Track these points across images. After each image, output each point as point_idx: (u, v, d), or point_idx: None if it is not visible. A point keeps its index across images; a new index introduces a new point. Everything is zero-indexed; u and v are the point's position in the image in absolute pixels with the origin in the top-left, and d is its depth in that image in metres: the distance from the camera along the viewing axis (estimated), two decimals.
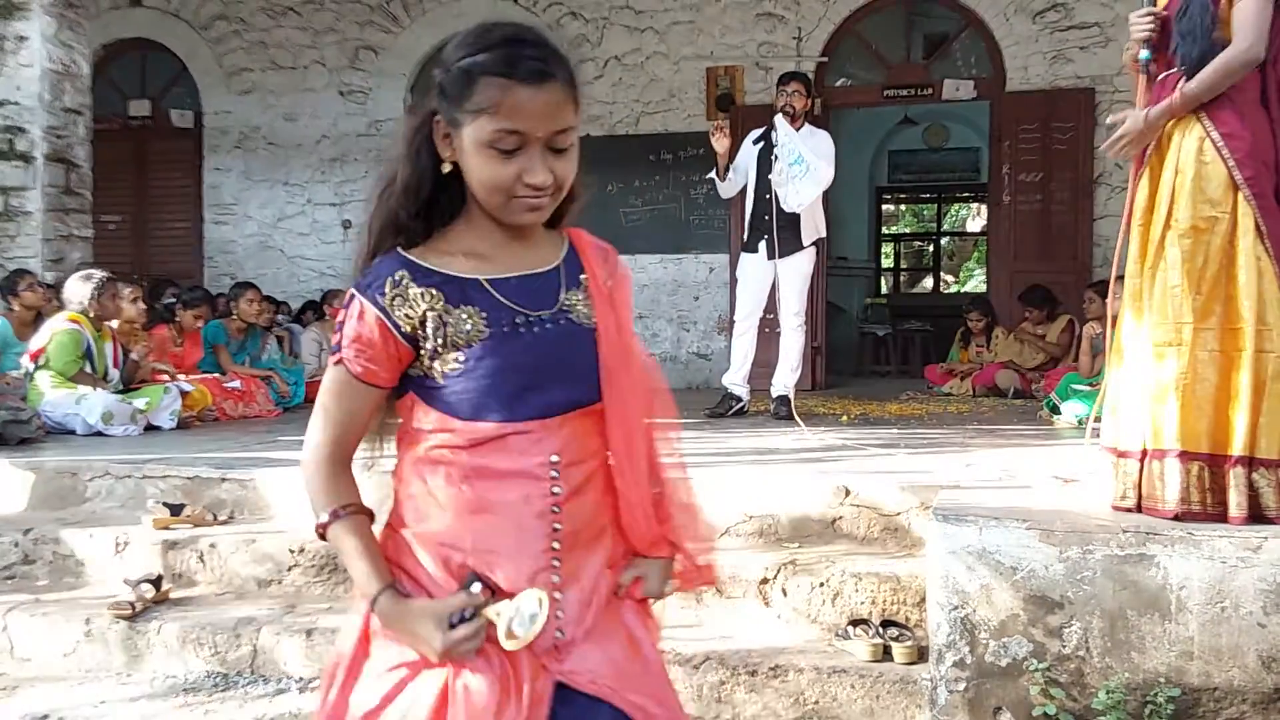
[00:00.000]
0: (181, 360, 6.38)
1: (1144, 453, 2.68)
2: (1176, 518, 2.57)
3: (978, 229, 16.66)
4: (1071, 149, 8.16)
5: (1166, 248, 2.65)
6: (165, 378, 5.84)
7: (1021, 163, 8.30)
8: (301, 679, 2.96)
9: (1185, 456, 2.59)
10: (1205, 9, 2.62)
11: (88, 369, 5.47)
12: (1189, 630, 2.44)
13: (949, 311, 10.90)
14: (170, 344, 6.48)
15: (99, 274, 5.63)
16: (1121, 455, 2.72)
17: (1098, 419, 2.80)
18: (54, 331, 5.39)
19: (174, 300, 6.62)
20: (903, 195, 15.50)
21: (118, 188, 9.38)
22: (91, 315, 5.51)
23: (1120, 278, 2.93)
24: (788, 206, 5.60)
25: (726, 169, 5.84)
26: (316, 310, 8.35)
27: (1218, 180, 2.60)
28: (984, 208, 12.91)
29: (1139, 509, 2.67)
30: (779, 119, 5.66)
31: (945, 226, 16.72)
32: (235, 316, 6.88)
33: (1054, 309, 7.62)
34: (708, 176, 6.10)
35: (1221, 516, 2.56)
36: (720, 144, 5.76)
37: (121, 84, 10.01)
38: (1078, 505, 2.84)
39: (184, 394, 5.67)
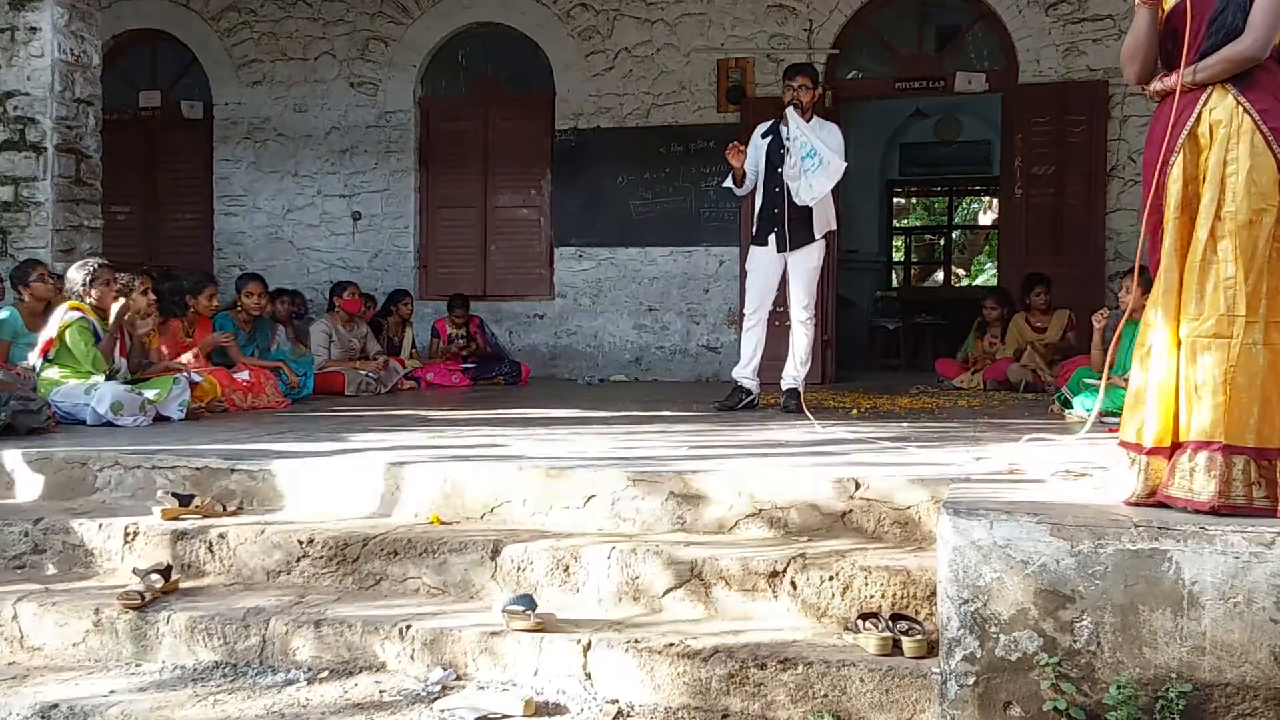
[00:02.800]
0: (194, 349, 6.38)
1: (1174, 446, 2.66)
2: (1213, 510, 2.54)
3: (989, 222, 16.60)
4: (1084, 142, 8.11)
5: (1218, 241, 2.64)
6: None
7: (1034, 156, 8.26)
8: (310, 669, 2.96)
9: (1228, 450, 2.57)
10: (1240, 10, 2.66)
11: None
12: (1201, 625, 2.42)
13: (960, 305, 10.87)
14: (181, 335, 6.49)
15: (94, 261, 5.65)
16: (1150, 453, 2.70)
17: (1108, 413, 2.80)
18: (62, 324, 5.39)
19: (169, 288, 6.62)
20: (914, 188, 15.45)
21: (128, 179, 9.41)
22: (90, 302, 5.51)
23: (1132, 271, 2.92)
24: (801, 200, 5.59)
25: (743, 178, 5.88)
26: (292, 296, 8.17)
27: (1269, 174, 2.62)
28: (995, 201, 12.87)
29: (1158, 504, 2.65)
30: (790, 112, 5.65)
31: (956, 220, 16.65)
32: (240, 309, 6.90)
33: (1049, 293, 7.57)
34: (724, 185, 6.11)
35: (1272, 511, 2.54)
36: (736, 159, 5.79)
37: (132, 75, 10.03)
38: (1089, 499, 2.82)
39: (193, 385, 5.67)
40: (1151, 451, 2.70)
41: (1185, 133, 2.72)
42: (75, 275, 5.56)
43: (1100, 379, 5.70)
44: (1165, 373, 2.70)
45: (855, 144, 6.08)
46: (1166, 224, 2.74)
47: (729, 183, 5.97)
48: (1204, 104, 2.70)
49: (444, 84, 9.56)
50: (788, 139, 5.63)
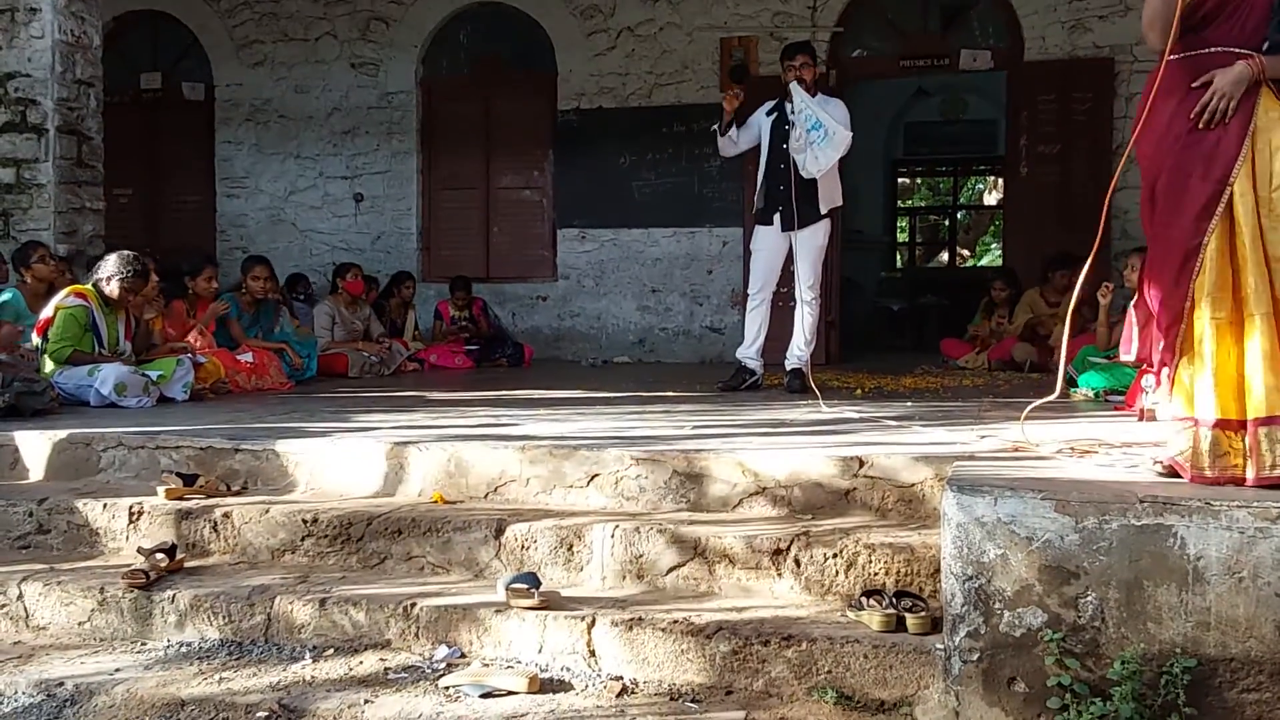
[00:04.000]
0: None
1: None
2: None
3: (994, 202, 16.53)
4: (1090, 120, 8.06)
5: None
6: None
7: (1039, 134, 8.21)
8: (315, 647, 2.97)
9: None
10: None
11: (97, 345, 5.45)
12: (1206, 601, 2.41)
13: (965, 286, 10.84)
14: (185, 316, 6.49)
15: (138, 264, 5.49)
16: (1237, 427, 2.68)
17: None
18: (58, 304, 5.37)
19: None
20: (918, 168, 15.38)
21: (129, 161, 9.38)
22: (105, 292, 5.47)
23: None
24: (806, 173, 5.55)
25: (729, 125, 5.81)
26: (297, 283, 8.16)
27: None
28: (1001, 180, 12.80)
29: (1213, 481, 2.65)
30: (795, 86, 5.60)
31: (961, 200, 16.59)
32: (245, 291, 6.89)
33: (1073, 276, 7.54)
34: (711, 128, 6.03)
35: None
36: (730, 105, 5.74)
37: (132, 56, 9.99)
38: (1093, 475, 2.82)
39: (197, 366, 5.67)
40: (1230, 427, 2.68)
41: (1253, 120, 2.75)
42: (111, 265, 5.46)
43: (1104, 357, 5.69)
44: (1243, 349, 2.70)
45: (859, 124, 6.03)
46: (1239, 201, 2.72)
47: (715, 126, 5.90)
48: (1259, 95, 2.76)
49: (445, 64, 9.52)
50: (793, 114, 5.59)
